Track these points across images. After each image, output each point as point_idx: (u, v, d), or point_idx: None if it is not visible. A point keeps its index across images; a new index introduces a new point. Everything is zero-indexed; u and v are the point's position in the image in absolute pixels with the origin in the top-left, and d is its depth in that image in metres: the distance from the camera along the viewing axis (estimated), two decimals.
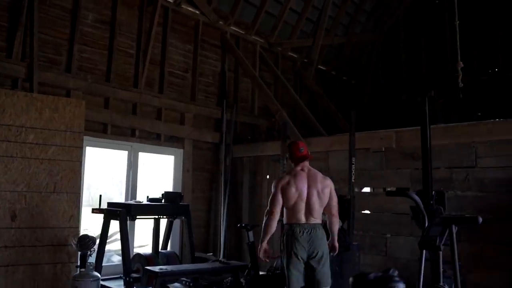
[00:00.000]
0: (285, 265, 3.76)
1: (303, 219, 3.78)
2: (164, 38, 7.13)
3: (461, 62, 5.38)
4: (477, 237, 5.09)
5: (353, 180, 5.62)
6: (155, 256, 5.57)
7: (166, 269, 4.68)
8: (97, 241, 5.19)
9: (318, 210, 3.82)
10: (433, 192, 4.29)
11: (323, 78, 10.12)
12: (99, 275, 5.07)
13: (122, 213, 5.30)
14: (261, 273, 5.17)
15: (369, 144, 6.17)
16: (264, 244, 3.86)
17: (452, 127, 5.74)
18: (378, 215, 6.02)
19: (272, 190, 3.89)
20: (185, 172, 7.25)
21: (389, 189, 4.61)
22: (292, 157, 4.04)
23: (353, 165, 5.63)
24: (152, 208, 5.68)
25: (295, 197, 3.80)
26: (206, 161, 7.63)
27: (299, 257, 3.70)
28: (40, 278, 5.07)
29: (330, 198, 3.93)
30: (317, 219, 3.82)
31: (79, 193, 5.52)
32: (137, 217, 5.53)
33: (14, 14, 5.55)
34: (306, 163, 4.02)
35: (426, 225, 2.92)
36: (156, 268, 4.67)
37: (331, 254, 3.96)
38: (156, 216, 5.77)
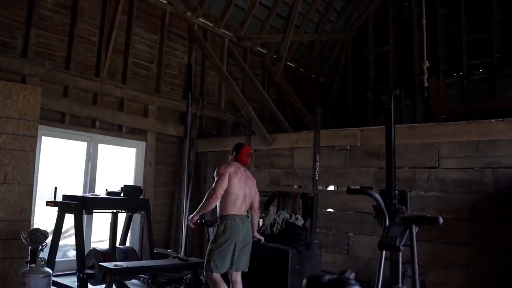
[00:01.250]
0: (221, 252, 3.99)
1: (242, 210, 4.13)
2: (128, 27, 6.88)
3: (427, 61, 5.39)
4: (437, 237, 5.13)
5: (317, 178, 5.57)
6: (112, 252, 5.36)
7: (121, 265, 4.48)
8: (51, 236, 4.95)
9: (248, 204, 4.26)
10: (396, 191, 4.29)
11: (292, 74, 10.07)
12: (50, 271, 4.81)
13: (77, 206, 5.06)
14: None
15: (335, 142, 6.13)
16: (197, 216, 4.22)
17: (416, 127, 5.78)
18: (342, 214, 6.00)
19: (219, 172, 4.13)
20: (147, 165, 7.04)
21: (351, 187, 4.57)
22: (238, 158, 4.37)
23: (317, 163, 5.58)
24: (110, 202, 5.45)
25: (238, 187, 4.10)
26: (169, 155, 7.44)
27: (235, 245, 4.01)
28: None
29: (255, 195, 4.35)
30: (246, 211, 4.24)
31: (32, 185, 5.23)
32: (94, 211, 5.31)
33: None
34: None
35: (387, 224, 2.86)
36: (110, 265, 4.47)
37: (257, 241, 4.38)
38: (114, 210, 5.55)
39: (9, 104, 5.16)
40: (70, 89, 6.10)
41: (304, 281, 2.16)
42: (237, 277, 4.13)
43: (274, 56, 9.36)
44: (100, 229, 6.92)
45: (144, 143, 7.04)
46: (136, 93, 6.90)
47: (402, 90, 4.27)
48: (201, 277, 5.14)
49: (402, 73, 10.15)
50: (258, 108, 8.60)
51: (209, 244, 4.13)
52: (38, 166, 5.84)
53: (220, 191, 4.06)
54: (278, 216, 4.72)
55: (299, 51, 10.00)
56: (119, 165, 7.15)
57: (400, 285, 2.74)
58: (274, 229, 4.64)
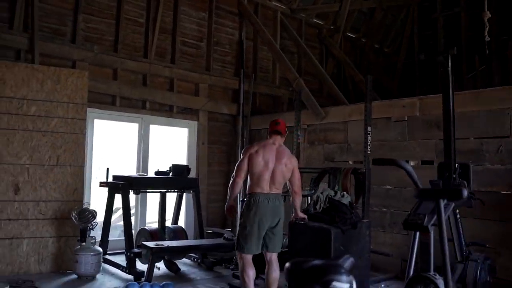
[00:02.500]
0: (245, 231, 3.84)
1: (266, 188, 3.89)
2: (175, 5, 6.82)
3: (488, 12, 4.71)
4: (509, 216, 4.55)
5: (368, 152, 5.16)
6: (161, 231, 5.40)
7: (162, 244, 4.48)
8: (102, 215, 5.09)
9: (280, 182, 3.98)
10: (456, 164, 3.82)
11: (352, 46, 9.50)
12: (100, 249, 4.97)
13: (124, 186, 5.15)
14: None
15: (391, 113, 5.65)
16: (231, 202, 4.02)
17: (483, 92, 5.13)
18: (399, 191, 5.54)
19: (241, 154, 4.06)
20: (199, 145, 7.02)
21: (377, 158, 4.15)
22: (269, 130, 4.17)
23: (369, 135, 5.16)
24: (157, 182, 5.48)
25: (261, 166, 3.90)
26: (223, 134, 7.36)
27: (261, 225, 3.82)
28: (44, 251, 5.03)
29: (293, 175, 4.06)
30: (278, 189, 3.97)
31: (83, 166, 5.40)
32: (141, 190, 5.36)
33: None
34: (279, 139, 4.12)
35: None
36: (152, 244, 4.48)
37: (300, 221, 4.19)
38: (162, 190, 5.58)
39: (59, 89, 5.32)
40: (119, 71, 6.19)
41: (287, 264, 1.90)
42: (272, 256, 3.94)
43: (331, 27, 8.86)
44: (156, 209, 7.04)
45: (196, 122, 7.01)
46: (186, 73, 6.86)
47: (455, 48, 3.70)
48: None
49: (476, 37, 9.14)
50: (314, 82, 8.23)
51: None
52: (92, 148, 6.03)
53: (240, 173, 3.95)
54: (322, 193, 4.41)
55: (359, 20, 9.39)
56: (171, 145, 7.19)
57: (431, 272, 2.35)
58: (317, 207, 4.35)
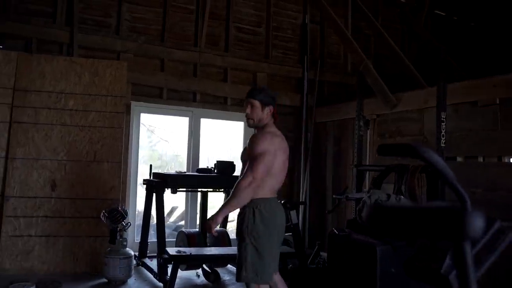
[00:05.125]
0: (264, 252, 2.82)
1: (276, 191, 3.00)
2: None
3: None
4: None
5: (442, 145, 4.10)
6: (200, 235, 4.89)
7: (184, 252, 3.94)
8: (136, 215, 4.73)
9: None
10: None
11: (441, 25, 8.12)
12: (131, 252, 4.60)
13: (159, 184, 4.72)
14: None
15: (477, 95, 4.48)
16: (220, 218, 2.85)
17: None
18: (491, 195, 4.36)
19: (263, 147, 2.83)
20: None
21: (384, 144, 3.07)
22: (274, 111, 3.09)
23: (443, 124, 4.11)
24: (197, 180, 4.98)
25: (281, 164, 2.97)
26: (285, 127, 6.56)
27: (280, 239, 3.00)
28: (79, 251, 4.80)
29: None
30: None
31: (121, 162, 5.10)
32: (179, 190, 4.90)
33: None
34: None
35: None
36: (173, 251, 3.97)
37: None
38: (203, 189, 5.07)
39: (97, 82, 5.10)
40: (166, 62, 5.82)
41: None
42: (277, 275, 3.08)
43: (415, 4, 7.65)
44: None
45: None
46: (241, 61, 6.29)
47: None
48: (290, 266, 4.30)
49: None
50: (392, 68, 7.13)
51: (241, 241, 2.87)
52: (138, 143, 5.75)
53: (265, 174, 2.81)
54: (370, 197, 3.51)
55: None
56: (225, 140, 6.67)
57: None
58: (363, 215, 3.46)
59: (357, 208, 3.64)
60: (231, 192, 2.84)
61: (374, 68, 5.59)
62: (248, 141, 2.97)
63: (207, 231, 2.91)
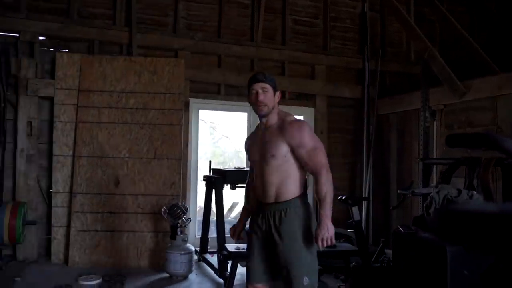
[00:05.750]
0: (315, 254, 2.54)
1: None
2: None
3: None
4: None
5: None
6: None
7: (243, 248, 3.89)
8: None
9: None
10: None
11: None
12: (191, 248, 4.63)
13: (217, 180, 4.72)
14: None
15: None
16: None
17: None
18: None
19: (316, 137, 2.61)
20: (317, 134, 6.21)
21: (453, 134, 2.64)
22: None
23: None
24: None
25: None
26: (346, 121, 6.44)
27: None
28: (142, 246, 4.91)
29: None
30: None
31: (181, 159, 5.15)
32: (238, 185, 4.86)
33: None
34: None
35: None
36: (232, 247, 3.93)
37: None
38: None
39: (156, 80, 5.18)
40: (223, 58, 5.81)
41: None
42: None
43: None
44: None
45: (312, 109, 6.25)
46: (299, 54, 6.15)
47: None
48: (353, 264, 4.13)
49: None
50: (461, 55, 6.66)
51: (303, 241, 2.49)
52: (198, 140, 5.78)
53: None
54: (438, 192, 3.25)
55: None
56: None
57: None
58: (431, 211, 3.22)
59: (424, 204, 3.41)
60: (322, 194, 2.43)
61: (439, 55, 5.24)
62: (286, 129, 2.50)
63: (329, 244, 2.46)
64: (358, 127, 6.39)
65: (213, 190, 4.91)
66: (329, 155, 6.24)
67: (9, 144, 4.87)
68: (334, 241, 2.44)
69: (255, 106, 2.55)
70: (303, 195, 2.55)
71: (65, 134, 4.98)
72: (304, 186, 2.57)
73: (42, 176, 5.09)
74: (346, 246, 4.22)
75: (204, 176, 5.20)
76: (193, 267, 4.64)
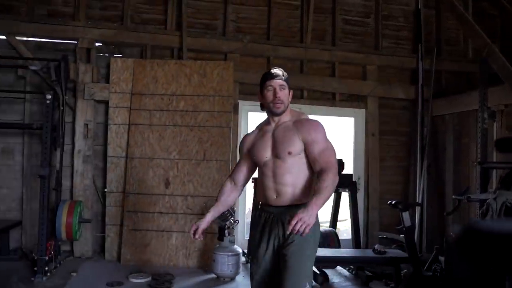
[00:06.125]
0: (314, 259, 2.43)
1: None
2: None
3: None
4: None
5: None
6: None
7: None
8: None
9: None
10: None
11: None
12: (239, 249, 4.65)
13: None
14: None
15: None
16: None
17: None
18: None
19: (330, 141, 2.45)
20: (369, 136, 6.07)
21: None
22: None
23: None
24: None
25: None
26: (399, 123, 6.23)
27: None
28: (191, 246, 4.99)
29: None
30: None
31: (229, 161, 5.18)
32: None
33: None
34: None
35: None
36: None
37: None
38: None
39: (205, 82, 5.26)
40: (272, 60, 5.80)
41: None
42: None
43: None
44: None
45: (363, 110, 6.09)
46: (349, 54, 6.02)
47: None
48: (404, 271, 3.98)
49: None
50: None
51: (311, 247, 2.37)
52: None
53: None
54: (495, 199, 3.05)
55: None
56: (334, 137, 6.42)
57: None
58: (487, 219, 3.02)
59: (480, 211, 3.21)
60: (322, 186, 2.20)
61: (500, 52, 4.94)
62: (303, 125, 2.40)
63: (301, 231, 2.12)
64: (411, 129, 6.17)
65: None
66: (381, 158, 6.13)
67: (67, 145, 5.12)
68: (308, 231, 2.08)
69: (272, 103, 2.40)
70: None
71: (119, 136, 5.17)
72: (310, 190, 2.38)
73: (98, 176, 5.31)
74: (396, 252, 4.07)
75: (253, 178, 5.18)
76: (240, 269, 4.66)
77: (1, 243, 4.85)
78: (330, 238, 4.82)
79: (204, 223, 2.55)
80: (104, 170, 5.25)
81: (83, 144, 5.19)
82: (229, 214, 4.56)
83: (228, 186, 2.66)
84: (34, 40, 5.28)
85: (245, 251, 5.10)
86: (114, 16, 5.52)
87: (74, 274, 4.42)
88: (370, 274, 4.57)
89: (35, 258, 4.31)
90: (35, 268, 4.22)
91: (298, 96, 5.89)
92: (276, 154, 2.39)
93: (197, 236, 2.52)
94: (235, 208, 4.83)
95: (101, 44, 5.41)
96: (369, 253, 4.14)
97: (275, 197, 2.39)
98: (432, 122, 5.96)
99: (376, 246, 4.04)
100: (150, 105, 5.18)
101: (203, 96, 5.23)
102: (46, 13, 5.38)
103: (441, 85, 6.20)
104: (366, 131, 6.09)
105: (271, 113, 2.45)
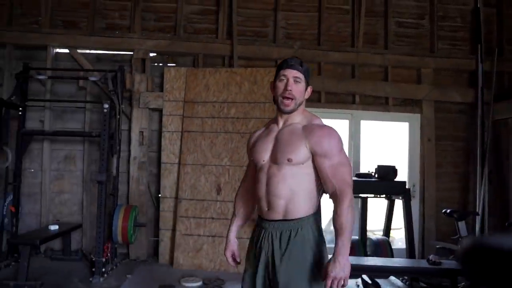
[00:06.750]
0: None
1: None
2: None
3: None
4: None
5: None
6: (360, 243, 4.67)
7: None
8: None
9: None
10: None
11: None
12: None
13: None
14: None
15: None
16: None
17: None
18: None
19: (346, 153, 2.09)
20: (424, 141, 5.85)
21: None
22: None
23: None
24: (355, 185, 4.73)
25: None
26: (456, 127, 5.96)
27: None
28: (242, 252, 4.98)
29: None
30: None
31: None
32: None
33: None
34: None
35: None
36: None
37: None
38: (363, 195, 4.83)
39: (255, 90, 5.30)
40: (323, 65, 5.76)
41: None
42: None
43: None
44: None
45: (418, 115, 5.89)
46: (402, 58, 5.86)
47: None
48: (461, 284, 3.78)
49: None
50: None
51: (313, 273, 1.99)
52: None
53: None
54: None
55: None
56: (388, 142, 6.25)
57: None
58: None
59: None
60: (342, 222, 1.91)
61: None
62: (313, 132, 2.03)
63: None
64: (469, 133, 5.89)
65: None
66: (437, 164, 5.90)
67: (123, 152, 5.33)
68: (348, 282, 1.86)
69: (281, 97, 2.05)
70: (316, 214, 2.06)
71: (172, 143, 5.32)
72: (318, 204, 2.09)
73: (152, 182, 5.49)
74: (453, 264, 3.87)
75: None
76: None
77: (63, 244, 5.15)
78: (382, 247, 4.70)
79: (234, 245, 2.35)
80: (158, 176, 5.41)
81: (138, 151, 5.39)
82: None
83: (242, 195, 2.36)
84: (93, 53, 5.57)
85: None
86: (167, 27, 5.70)
87: (129, 276, 4.58)
88: (425, 285, 4.39)
89: (93, 259, 4.51)
90: (93, 269, 4.42)
91: (350, 101, 5.81)
92: (274, 159, 2.06)
93: (238, 260, 2.35)
94: None
95: (155, 54, 5.61)
96: (423, 263, 3.97)
97: (267, 209, 2.07)
98: (493, 126, 5.66)
99: (431, 257, 3.87)
100: (202, 112, 5.29)
101: (254, 103, 5.27)
102: (105, 26, 5.66)
103: (503, 87, 5.88)
104: (422, 136, 5.88)
105: (279, 110, 2.10)
